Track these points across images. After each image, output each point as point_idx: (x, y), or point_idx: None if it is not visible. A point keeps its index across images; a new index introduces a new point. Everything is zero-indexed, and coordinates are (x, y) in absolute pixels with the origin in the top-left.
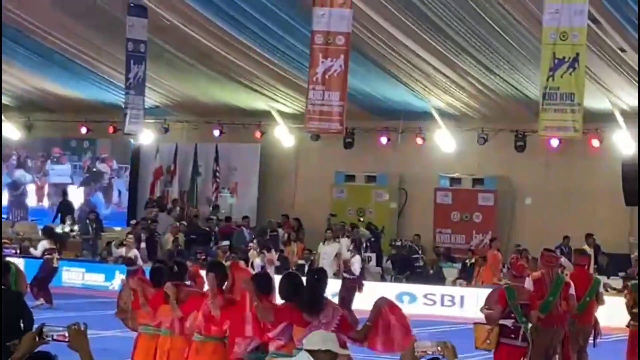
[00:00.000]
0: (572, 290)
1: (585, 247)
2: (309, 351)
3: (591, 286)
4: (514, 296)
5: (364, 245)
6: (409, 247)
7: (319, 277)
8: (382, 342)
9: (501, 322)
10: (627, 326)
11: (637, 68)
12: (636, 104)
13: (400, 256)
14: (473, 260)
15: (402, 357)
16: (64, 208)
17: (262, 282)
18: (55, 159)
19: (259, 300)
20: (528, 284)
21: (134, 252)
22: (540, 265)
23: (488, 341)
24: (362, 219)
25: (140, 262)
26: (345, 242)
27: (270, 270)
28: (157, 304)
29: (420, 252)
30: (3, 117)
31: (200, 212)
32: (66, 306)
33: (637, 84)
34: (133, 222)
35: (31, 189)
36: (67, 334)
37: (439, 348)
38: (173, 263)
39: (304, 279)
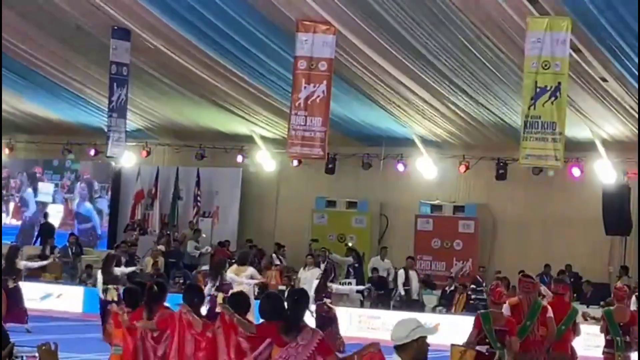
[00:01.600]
0: (549, 314)
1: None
2: None
3: (568, 315)
4: (489, 321)
5: (346, 271)
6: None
7: (298, 299)
8: None
9: (477, 348)
10: (603, 353)
11: (618, 98)
12: (616, 133)
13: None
14: (453, 288)
15: None
16: (45, 230)
17: (239, 300)
18: (35, 178)
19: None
20: (505, 309)
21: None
22: (519, 290)
23: None
24: (350, 244)
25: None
26: (316, 271)
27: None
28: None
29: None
30: None
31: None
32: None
33: (618, 114)
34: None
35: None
36: (37, 354)
37: None
38: (153, 283)
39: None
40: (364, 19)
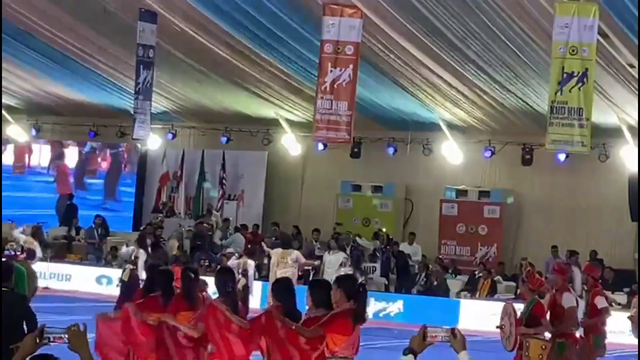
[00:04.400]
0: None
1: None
2: None
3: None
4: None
5: (370, 255)
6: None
7: (362, 286)
8: None
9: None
10: None
11: None
12: None
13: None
14: (481, 274)
15: (411, 341)
16: (69, 211)
17: (286, 288)
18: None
19: (278, 309)
20: (567, 298)
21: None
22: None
23: (540, 356)
24: (384, 229)
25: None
26: (340, 255)
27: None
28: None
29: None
30: (11, 119)
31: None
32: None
33: None
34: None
35: None
36: (66, 335)
37: (450, 335)
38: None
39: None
40: (391, 3)
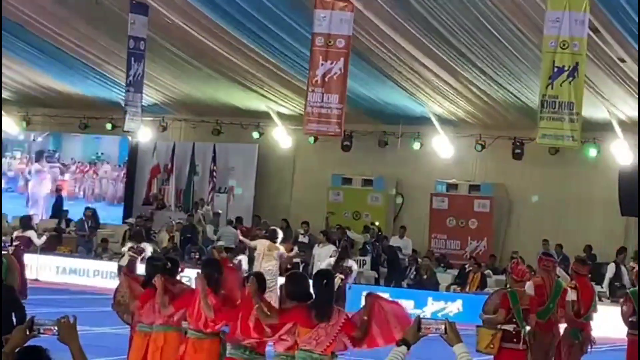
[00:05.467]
0: (568, 297)
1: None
2: None
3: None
4: (517, 300)
5: (360, 248)
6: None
7: (328, 281)
8: (383, 336)
9: (503, 327)
10: (627, 335)
11: (636, 79)
12: (634, 114)
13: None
14: (471, 268)
15: (406, 333)
16: (58, 204)
17: (261, 281)
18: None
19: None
20: (529, 288)
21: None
22: (539, 269)
23: (491, 345)
24: (377, 223)
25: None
26: (330, 248)
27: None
28: (147, 301)
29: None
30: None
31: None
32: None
33: (636, 95)
34: (136, 220)
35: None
36: (56, 327)
37: (444, 327)
38: (166, 260)
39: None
40: None
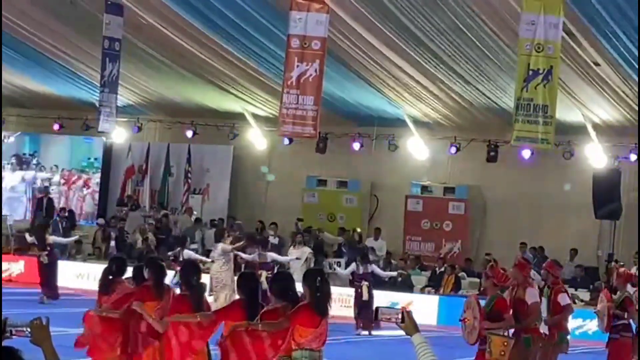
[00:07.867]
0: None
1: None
2: None
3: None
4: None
5: (334, 250)
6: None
7: (323, 278)
8: None
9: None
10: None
11: (610, 82)
12: (608, 117)
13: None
14: (442, 269)
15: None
16: (47, 205)
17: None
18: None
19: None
20: (532, 295)
21: None
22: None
23: (502, 353)
24: (359, 230)
25: None
26: (305, 250)
27: None
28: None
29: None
30: None
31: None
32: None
33: (610, 99)
34: (101, 221)
35: None
36: (29, 329)
37: (401, 316)
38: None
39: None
40: None
